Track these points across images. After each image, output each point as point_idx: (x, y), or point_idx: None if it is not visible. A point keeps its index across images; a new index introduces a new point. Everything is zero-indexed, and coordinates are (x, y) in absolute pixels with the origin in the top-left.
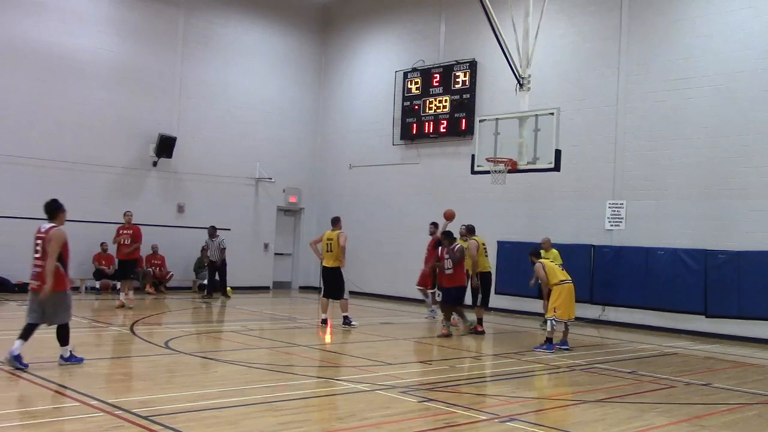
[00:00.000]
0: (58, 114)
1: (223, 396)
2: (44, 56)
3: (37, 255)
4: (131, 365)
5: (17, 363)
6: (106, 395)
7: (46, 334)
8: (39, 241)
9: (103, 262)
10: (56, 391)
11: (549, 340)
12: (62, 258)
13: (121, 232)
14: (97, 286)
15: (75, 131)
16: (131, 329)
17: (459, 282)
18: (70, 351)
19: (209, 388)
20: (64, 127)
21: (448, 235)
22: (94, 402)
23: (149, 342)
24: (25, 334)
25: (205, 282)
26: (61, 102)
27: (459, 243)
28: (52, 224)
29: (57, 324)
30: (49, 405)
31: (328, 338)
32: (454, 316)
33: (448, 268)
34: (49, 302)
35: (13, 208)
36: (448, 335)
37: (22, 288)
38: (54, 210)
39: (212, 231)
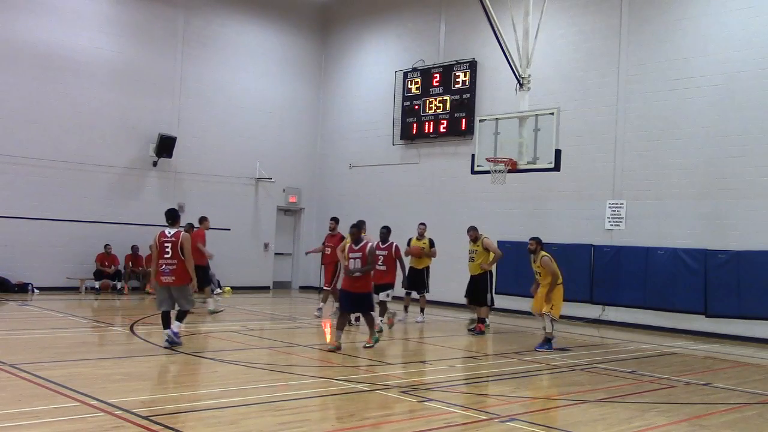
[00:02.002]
0: (58, 114)
1: (223, 396)
2: (44, 56)
3: (167, 255)
4: (131, 365)
5: (175, 338)
6: (106, 395)
7: (45, 334)
8: (168, 244)
9: (106, 263)
10: (56, 391)
11: (548, 340)
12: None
13: (326, 242)
14: (97, 286)
15: (75, 131)
16: (131, 329)
17: (366, 287)
18: (179, 331)
19: (209, 388)
20: (64, 127)
21: (355, 228)
22: (94, 402)
23: (149, 342)
24: (166, 322)
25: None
26: (61, 102)
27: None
28: (177, 229)
29: (182, 309)
30: (49, 405)
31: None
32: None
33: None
34: (179, 293)
35: (13, 208)
36: (337, 348)
37: (22, 288)
38: (176, 217)
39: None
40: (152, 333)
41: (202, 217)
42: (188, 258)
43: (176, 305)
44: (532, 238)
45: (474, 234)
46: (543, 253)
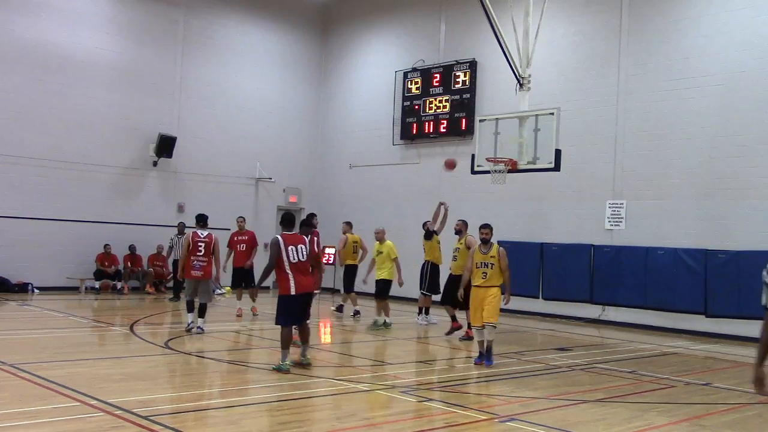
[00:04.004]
0: (58, 114)
1: (223, 396)
2: (44, 56)
3: (200, 253)
4: (131, 365)
5: (202, 331)
6: (106, 395)
7: (45, 334)
8: (201, 244)
9: (106, 263)
10: (56, 391)
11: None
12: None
13: (236, 238)
14: (97, 286)
15: (75, 131)
16: (131, 329)
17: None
18: (204, 324)
19: (209, 388)
20: (64, 127)
21: (240, 218)
22: (94, 402)
23: (149, 342)
24: (191, 308)
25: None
26: (61, 102)
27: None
28: (208, 231)
29: (203, 302)
30: (49, 405)
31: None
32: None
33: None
34: (203, 286)
35: (13, 208)
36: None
37: (22, 288)
38: (206, 220)
39: (182, 228)
40: (152, 333)
41: (240, 217)
42: (217, 257)
43: (198, 298)
44: (487, 226)
45: (461, 227)
46: (493, 240)
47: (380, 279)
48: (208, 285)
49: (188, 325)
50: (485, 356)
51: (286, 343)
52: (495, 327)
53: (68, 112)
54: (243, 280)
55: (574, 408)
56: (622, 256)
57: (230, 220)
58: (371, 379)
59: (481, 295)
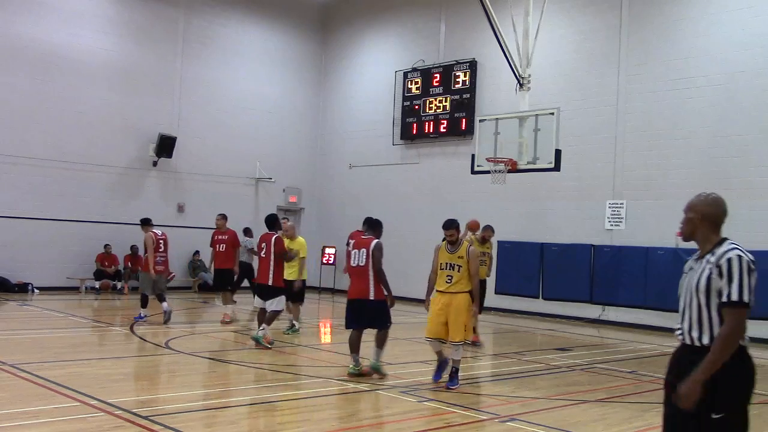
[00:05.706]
0: (58, 114)
1: (223, 396)
2: (44, 56)
3: (161, 251)
4: (131, 365)
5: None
6: (106, 395)
7: (45, 334)
8: (162, 242)
9: (106, 263)
10: (56, 391)
11: (457, 370)
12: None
13: (216, 237)
14: (97, 286)
15: (75, 131)
16: (131, 329)
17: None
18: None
19: (209, 388)
20: (64, 127)
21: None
22: (94, 402)
23: (149, 342)
24: (161, 300)
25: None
26: (61, 102)
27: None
28: (162, 230)
29: (164, 293)
30: (49, 405)
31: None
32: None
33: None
34: (164, 281)
35: (13, 208)
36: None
37: (22, 288)
38: (150, 221)
39: (250, 232)
40: (152, 333)
41: (219, 214)
42: (166, 255)
43: (155, 290)
44: (452, 225)
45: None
46: (459, 237)
47: (301, 279)
48: (164, 279)
49: (142, 316)
50: (451, 377)
51: (350, 346)
52: (461, 345)
53: (68, 112)
54: (225, 281)
55: (574, 408)
56: (622, 256)
57: (230, 221)
58: (371, 379)
59: (444, 302)
